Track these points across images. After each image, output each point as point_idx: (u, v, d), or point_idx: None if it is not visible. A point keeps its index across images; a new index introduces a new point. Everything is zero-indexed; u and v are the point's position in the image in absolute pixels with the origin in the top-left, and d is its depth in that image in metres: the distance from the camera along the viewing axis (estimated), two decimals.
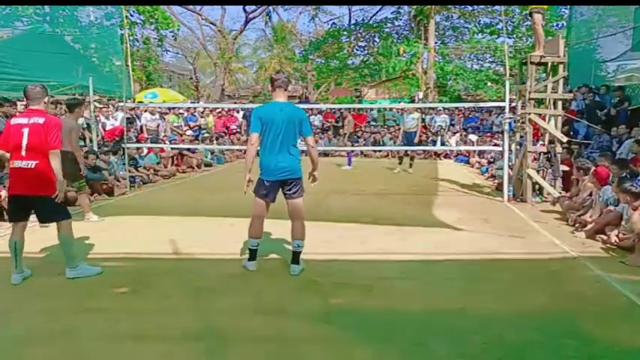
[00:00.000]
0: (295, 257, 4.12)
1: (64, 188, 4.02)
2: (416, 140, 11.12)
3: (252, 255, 4.22)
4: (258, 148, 4.08)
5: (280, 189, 4.11)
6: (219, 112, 16.83)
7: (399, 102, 20.26)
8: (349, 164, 12.32)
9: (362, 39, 24.42)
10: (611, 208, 5.22)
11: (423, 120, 16.46)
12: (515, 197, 7.60)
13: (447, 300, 3.61)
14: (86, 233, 5.42)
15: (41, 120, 3.85)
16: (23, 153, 3.80)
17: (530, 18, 7.76)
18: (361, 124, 18.03)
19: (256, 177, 4.12)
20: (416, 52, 19.77)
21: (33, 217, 4.11)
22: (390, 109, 18.55)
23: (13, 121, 3.98)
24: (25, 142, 3.79)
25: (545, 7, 7.94)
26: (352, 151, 13.12)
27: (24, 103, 8.17)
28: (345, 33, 23.89)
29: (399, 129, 12.18)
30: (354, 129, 17.49)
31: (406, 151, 11.18)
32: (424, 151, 13.87)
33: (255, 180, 4.13)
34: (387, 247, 4.99)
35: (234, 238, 5.27)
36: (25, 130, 3.81)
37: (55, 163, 3.85)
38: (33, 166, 3.81)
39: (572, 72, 11.15)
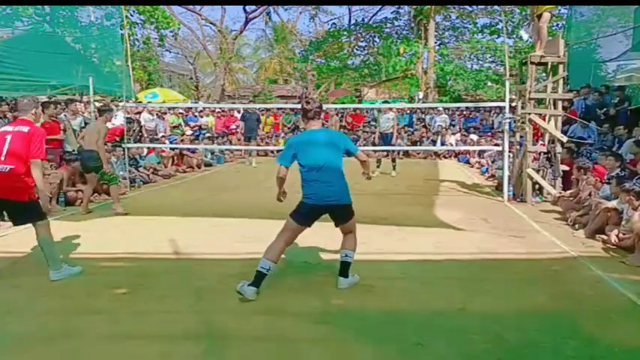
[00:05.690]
0: (343, 269, 3.80)
1: (47, 199, 4.20)
2: (393, 142, 10.78)
3: (259, 279, 3.56)
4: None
5: (329, 214, 3.74)
6: (220, 112, 16.83)
7: (399, 102, 20.25)
8: None
9: (362, 39, 24.39)
10: (609, 204, 5.19)
11: (424, 120, 16.52)
12: (515, 197, 7.60)
13: (447, 300, 3.60)
14: (87, 233, 5.44)
15: (26, 129, 3.95)
16: (2, 158, 3.87)
17: (537, 19, 7.64)
18: (359, 124, 18.00)
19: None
20: (416, 52, 19.78)
21: None
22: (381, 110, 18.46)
23: (1, 129, 4.10)
24: (6, 147, 3.87)
25: (556, 7, 7.86)
26: None
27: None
28: (345, 33, 23.87)
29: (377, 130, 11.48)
30: (352, 129, 17.46)
31: (387, 153, 10.89)
32: (424, 151, 13.86)
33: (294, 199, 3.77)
34: (387, 247, 5.00)
35: (234, 238, 5.28)
36: (8, 137, 3.91)
37: (37, 172, 3.92)
38: (7, 170, 3.86)
39: (572, 72, 11.14)
